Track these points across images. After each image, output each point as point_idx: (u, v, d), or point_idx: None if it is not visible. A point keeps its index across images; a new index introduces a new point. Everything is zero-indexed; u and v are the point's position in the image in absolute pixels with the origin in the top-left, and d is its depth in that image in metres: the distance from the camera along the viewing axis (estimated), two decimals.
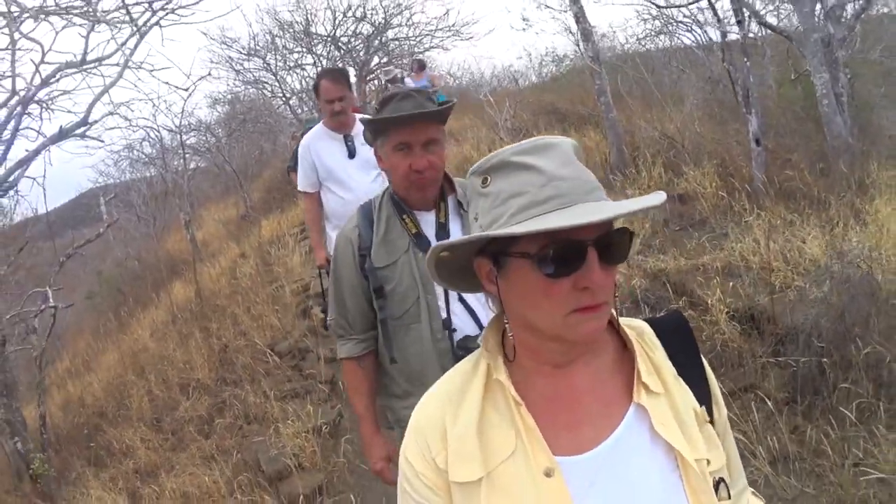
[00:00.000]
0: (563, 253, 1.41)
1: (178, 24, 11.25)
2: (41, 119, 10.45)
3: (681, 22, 18.40)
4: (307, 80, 25.16)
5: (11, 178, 9.47)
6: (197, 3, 10.32)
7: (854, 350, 4.87)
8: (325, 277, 6.08)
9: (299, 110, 25.29)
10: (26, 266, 15.22)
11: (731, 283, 6.26)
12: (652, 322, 1.73)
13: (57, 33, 9.66)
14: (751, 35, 14.54)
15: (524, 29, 33.83)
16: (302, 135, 10.74)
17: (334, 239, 5.71)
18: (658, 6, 15.64)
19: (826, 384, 4.85)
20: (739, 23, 10.00)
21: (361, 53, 25.78)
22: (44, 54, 9.41)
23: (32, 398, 9.86)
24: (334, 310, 3.35)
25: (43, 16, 9.19)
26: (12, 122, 9.19)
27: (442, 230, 3.19)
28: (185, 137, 21.16)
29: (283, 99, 25.08)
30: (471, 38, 27.45)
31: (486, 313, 3.15)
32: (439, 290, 3.15)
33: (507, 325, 1.60)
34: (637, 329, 1.69)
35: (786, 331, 5.44)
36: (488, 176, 1.52)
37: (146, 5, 9.88)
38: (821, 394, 4.85)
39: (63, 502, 7.38)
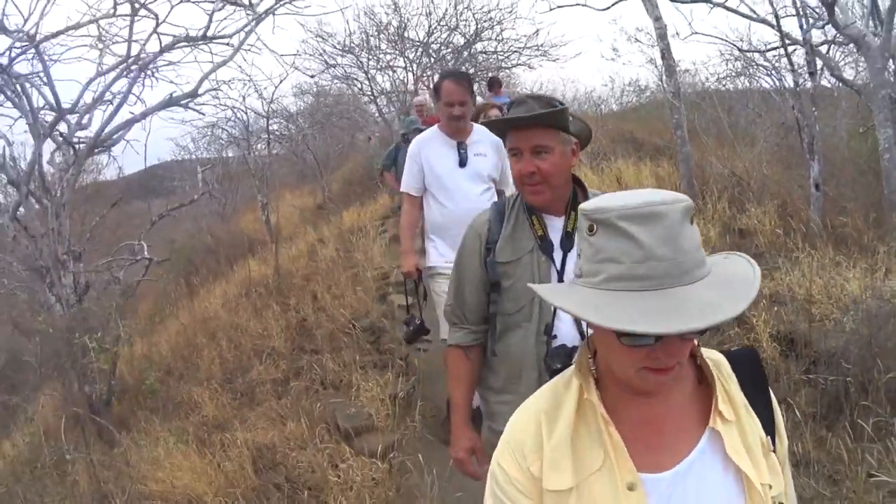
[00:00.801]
0: (642, 335, 1.48)
1: (291, 14, 11.94)
2: (143, 85, 10.67)
3: (761, 65, 18.59)
4: (397, 81, 25.54)
5: (115, 136, 10.04)
6: None
7: (876, 374, 5.33)
8: (409, 288, 6.40)
9: (385, 110, 25.68)
10: (109, 226, 15.71)
11: (776, 309, 6.74)
12: (728, 355, 1.84)
13: (173, 6, 10.27)
14: (827, 85, 14.77)
15: (613, 59, 34.07)
16: (404, 136, 11.17)
17: (430, 252, 5.83)
18: (740, 49, 15.89)
19: (849, 401, 5.31)
20: (812, 74, 10.37)
21: (451, 63, 25.90)
22: (158, 24, 10.05)
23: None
24: (452, 298, 3.40)
25: None
26: (126, 85, 9.76)
27: (568, 238, 3.19)
28: (270, 123, 21.73)
29: (372, 97, 25.32)
30: (557, 59, 27.74)
31: None
32: None
33: (590, 359, 1.74)
34: (716, 361, 1.80)
35: (819, 354, 5.90)
36: (594, 226, 1.57)
37: None
38: (844, 410, 5.28)
39: (127, 448, 7.34)
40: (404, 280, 6.33)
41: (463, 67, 26.46)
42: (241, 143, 22.27)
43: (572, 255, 3.12)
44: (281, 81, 30.54)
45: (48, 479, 7.49)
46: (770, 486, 1.68)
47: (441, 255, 5.69)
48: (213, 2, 10.41)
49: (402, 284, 10.53)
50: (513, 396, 3.11)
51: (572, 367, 1.81)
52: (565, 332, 3.13)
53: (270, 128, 22.23)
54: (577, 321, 3.09)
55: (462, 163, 5.62)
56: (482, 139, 5.69)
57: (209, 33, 10.57)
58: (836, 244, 8.62)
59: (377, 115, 26.52)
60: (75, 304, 9.33)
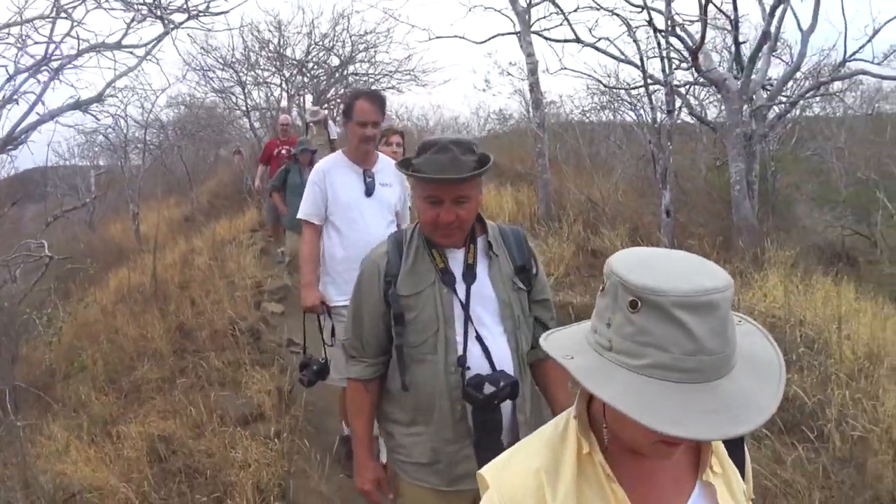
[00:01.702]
0: None
1: (198, 28, 12.59)
2: (53, 88, 11.28)
3: (625, 101, 19.36)
4: (271, 98, 26.12)
5: (23, 136, 10.39)
6: (226, 12, 11.51)
7: None
8: (309, 322, 5.81)
9: (257, 124, 26.13)
10: None
11: None
12: None
13: (88, 11, 10.72)
14: (691, 122, 15.98)
15: (484, 90, 35.15)
16: (294, 157, 11.22)
17: (329, 290, 5.53)
18: (606, 85, 16.93)
19: None
20: (670, 112, 11.51)
21: (323, 83, 26.61)
22: (73, 27, 10.52)
23: None
24: (350, 331, 3.38)
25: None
26: (40, 86, 10.15)
27: (469, 271, 3.23)
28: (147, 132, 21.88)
29: (245, 111, 25.72)
30: (426, 85, 28.43)
31: (502, 354, 3.22)
32: (458, 326, 3.20)
33: (605, 428, 1.68)
34: None
35: None
36: (639, 303, 1.47)
37: (184, 7, 11.19)
38: None
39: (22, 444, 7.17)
40: (303, 316, 5.80)
41: (333, 88, 27.36)
42: (118, 151, 22.36)
43: (476, 289, 3.22)
44: (163, 91, 30.67)
45: None
46: None
47: (341, 294, 5.36)
48: (127, 11, 10.98)
49: (276, 293, 11.15)
50: (425, 428, 3.24)
51: (564, 418, 1.80)
52: (477, 363, 3.17)
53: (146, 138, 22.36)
54: (488, 351, 3.18)
55: (369, 192, 5.46)
56: (387, 168, 5.60)
57: (124, 42, 11.10)
58: None
59: (249, 129, 26.94)
60: None
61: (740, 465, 1.85)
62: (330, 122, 15.15)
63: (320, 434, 6.54)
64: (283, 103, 25.35)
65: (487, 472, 1.80)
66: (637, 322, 1.46)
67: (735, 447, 1.85)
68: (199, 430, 6.79)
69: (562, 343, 1.66)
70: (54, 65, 10.68)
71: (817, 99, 19.16)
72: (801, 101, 18.96)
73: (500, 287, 3.27)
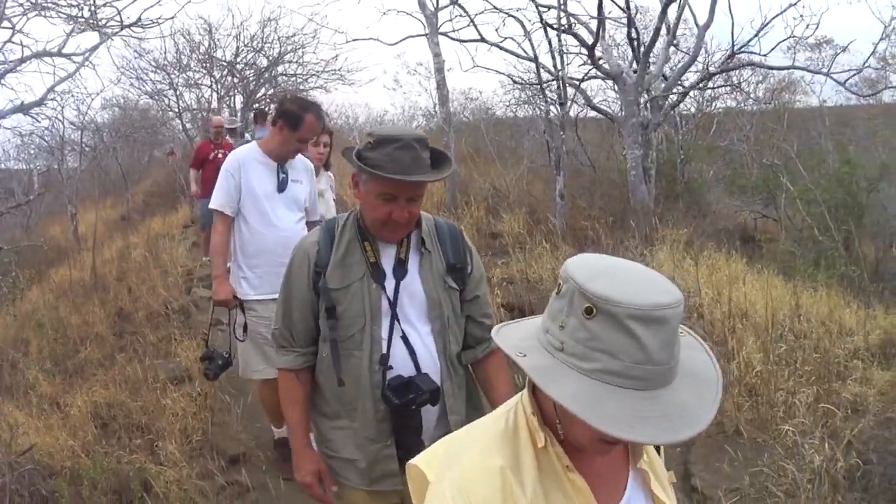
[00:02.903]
0: None
1: (132, 36, 13.48)
2: None
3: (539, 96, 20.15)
4: (202, 99, 26.58)
5: None
6: (160, 24, 12.38)
7: None
8: (220, 315, 6.03)
9: (189, 125, 26.56)
10: None
11: (507, 286, 8.66)
12: None
13: (28, 19, 11.44)
14: (591, 115, 17.04)
15: (394, 88, 35.67)
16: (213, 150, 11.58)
17: (239, 282, 5.52)
18: (514, 80, 17.90)
19: None
20: (562, 104, 12.60)
21: (252, 84, 27.14)
22: (13, 34, 11.26)
23: None
24: (280, 320, 3.29)
25: (38, 10, 10.99)
26: None
27: (400, 266, 3.18)
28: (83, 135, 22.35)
29: (177, 113, 26.06)
30: (353, 84, 29.03)
31: (427, 355, 3.18)
32: (385, 324, 3.14)
33: (559, 424, 1.68)
34: None
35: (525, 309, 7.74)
36: (595, 310, 1.50)
37: (118, 20, 11.94)
38: None
39: None
40: (212, 309, 5.87)
41: (263, 88, 27.89)
42: (56, 153, 22.72)
43: (405, 284, 3.17)
44: (98, 94, 31.10)
45: None
46: None
47: (253, 288, 5.50)
48: (67, 22, 11.84)
49: (204, 279, 11.76)
50: (349, 422, 3.21)
51: (511, 414, 1.81)
52: (401, 362, 3.14)
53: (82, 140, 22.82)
54: (413, 352, 3.15)
55: (281, 187, 5.43)
56: (298, 165, 5.63)
57: (64, 50, 11.91)
58: (576, 243, 10.66)
59: (181, 130, 27.32)
60: None
61: (658, 451, 1.99)
62: (247, 135, 15.11)
63: (240, 395, 7.13)
64: (214, 104, 25.96)
65: (427, 465, 1.82)
66: (591, 328, 1.50)
67: None
68: (136, 391, 7.60)
69: (513, 340, 1.70)
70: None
71: (726, 90, 20.43)
72: (710, 93, 20.33)
73: (431, 285, 3.22)
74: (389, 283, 3.16)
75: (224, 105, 25.29)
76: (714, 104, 21.86)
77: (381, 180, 2.97)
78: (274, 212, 5.40)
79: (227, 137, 14.34)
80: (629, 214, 11.94)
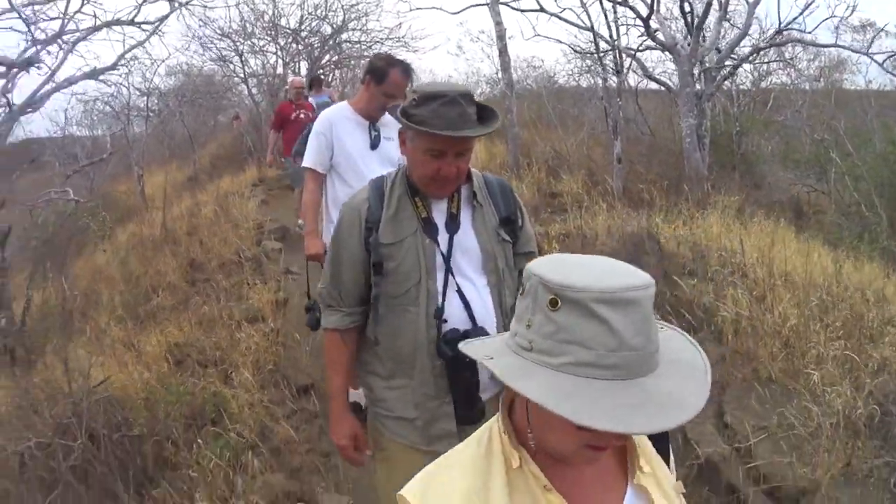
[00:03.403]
0: None
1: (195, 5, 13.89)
2: (56, 58, 11.98)
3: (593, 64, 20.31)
4: (268, 65, 26.71)
5: (42, 100, 11.59)
6: None
7: None
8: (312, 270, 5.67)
9: (255, 90, 26.86)
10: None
11: (564, 241, 8.90)
12: None
13: None
14: (652, 86, 17.20)
15: (457, 55, 35.82)
16: (313, 118, 11.72)
17: (330, 232, 5.49)
18: (574, 50, 18.11)
19: None
20: (618, 72, 12.91)
21: (317, 51, 27.30)
22: (83, 4, 11.78)
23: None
24: (328, 279, 3.28)
25: None
26: (61, 56, 11.38)
27: (452, 220, 3.14)
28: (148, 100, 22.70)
29: (243, 78, 26.29)
30: (416, 51, 29.17)
31: (482, 309, 3.14)
32: (440, 278, 3.10)
33: (530, 434, 1.62)
34: None
35: None
36: (559, 301, 1.44)
37: None
38: None
39: (43, 365, 8.11)
40: (307, 263, 5.73)
41: (328, 55, 28.03)
42: (122, 118, 23.01)
43: (459, 239, 3.13)
44: (164, 61, 31.57)
45: None
46: None
47: None
48: None
49: (275, 232, 12.10)
50: (405, 381, 3.17)
51: (486, 434, 1.73)
52: (456, 316, 3.10)
53: (143, 105, 23.26)
54: (468, 304, 3.10)
55: (374, 145, 5.39)
56: (390, 122, 5.44)
57: (137, 19, 12.42)
58: (631, 204, 11.04)
59: (248, 95, 27.61)
60: None
61: (665, 458, 1.82)
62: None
63: (310, 334, 7.18)
64: (279, 70, 26.15)
65: (409, 493, 1.69)
66: (558, 320, 1.44)
67: (659, 440, 1.81)
68: (210, 329, 7.97)
69: (481, 347, 1.64)
70: (68, 38, 11.87)
71: (779, 66, 20.61)
72: (764, 68, 20.46)
73: (484, 237, 3.19)
74: (442, 238, 3.12)
75: (289, 71, 25.33)
76: (769, 79, 21.91)
77: (427, 136, 2.95)
78: (368, 168, 5.20)
79: (309, 98, 14.24)
80: (683, 180, 12.18)
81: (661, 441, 1.83)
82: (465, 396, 3.10)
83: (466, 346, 1.68)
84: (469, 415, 3.09)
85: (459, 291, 3.10)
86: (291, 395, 6.55)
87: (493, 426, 1.72)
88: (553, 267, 1.51)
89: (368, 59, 6.72)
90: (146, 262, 11.67)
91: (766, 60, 19.04)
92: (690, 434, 5.25)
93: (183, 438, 5.87)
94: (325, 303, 3.31)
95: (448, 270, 3.10)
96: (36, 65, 11.54)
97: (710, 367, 1.57)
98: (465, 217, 3.18)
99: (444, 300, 3.07)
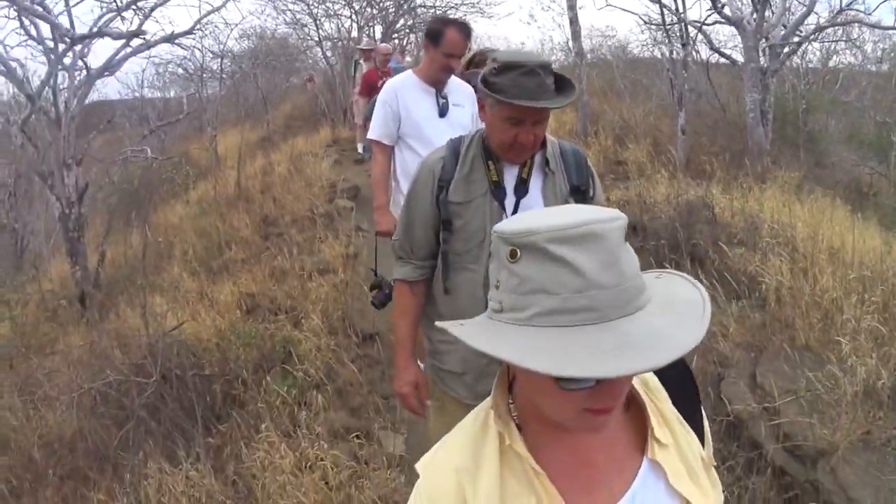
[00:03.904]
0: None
1: None
2: (131, 23, 12.25)
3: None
4: (342, 29, 26.81)
5: (118, 64, 11.92)
6: None
7: (682, 241, 7.49)
8: (381, 248, 5.59)
9: (329, 53, 26.85)
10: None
11: (625, 207, 8.91)
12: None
13: None
14: (723, 61, 17.19)
15: (528, 23, 35.74)
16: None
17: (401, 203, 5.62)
18: (645, 21, 18.07)
19: (668, 259, 7.42)
20: (684, 45, 13.00)
21: (392, 15, 27.32)
22: None
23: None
24: (401, 232, 3.38)
25: None
26: (137, 21, 11.70)
27: (522, 185, 3.21)
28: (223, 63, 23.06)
29: (317, 41, 26.52)
30: (491, 17, 29.05)
31: None
32: None
33: (512, 405, 1.56)
34: (642, 379, 1.63)
35: (650, 233, 8.18)
36: (518, 251, 1.36)
37: None
38: (663, 262, 7.34)
39: (116, 315, 8.68)
40: (375, 239, 5.66)
41: (402, 19, 27.98)
42: (195, 80, 23.56)
43: (526, 203, 3.20)
44: (237, 25, 32.10)
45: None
46: None
47: None
48: None
49: (347, 191, 12.32)
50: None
51: (483, 409, 1.63)
52: None
53: (216, 67, 23.67)
54: None
55: (442, 112, 5.26)
56: (459, 89, 5.43)
57: None
58: (693, 173, 11.21)
59: (322, 58, 27.71)
60: (75, 202, 10.78)
61: (699, 432, 1.68)
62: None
63: (387, 253, 7.53)
64: (354, 34, 26.17)
65: (419, 466, 1.63)
66: (519, 272, 1.36)
67: (692, 412, 1.69)
68: (281, 280, 8.27)
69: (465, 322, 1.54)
70: (142, 4, 12.16)
71: (845, 46, 20.45)
72: (831, 47, 20.30)
73: (552, 204, 3.22)
74: (510, 201, 3.20)
75: (364, 35, 25.40)
76: (836, 59, 21.67)
77: (507, 105, 2.99)
78: (438, 136, 4.89)
79: (361, 64, 14.73)
80: (745, 154, 12.27)
81: (693, 411, 1.70)
82: None
83: (455, 329, 1.50)
84: None
85: None
86: (357, 341, 6.82)
87: (489, 401, 1.61)
88: (510, 221, 1.46)
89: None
90: (220, 217, 11.91)
91: (831, 40, 18.88)
92: (724, 392, 5.42)
93: (252, 379, 6.17)
94: (397, 255, 3.41)
95: None
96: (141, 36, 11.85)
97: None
98: (536, 183, 3.24)
99: None
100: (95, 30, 11.58)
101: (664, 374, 1.64)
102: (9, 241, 17.80)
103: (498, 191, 3.18)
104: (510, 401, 1.56)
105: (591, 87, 16.31)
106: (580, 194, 3.28)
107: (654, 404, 1.59)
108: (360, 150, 14.33)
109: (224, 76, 24.52)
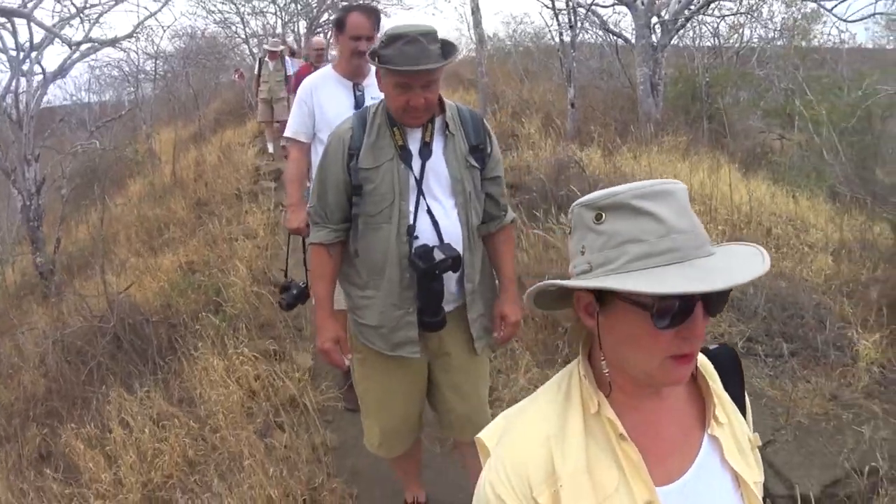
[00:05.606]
0: (679, 309, 1.42)
1: None
2: (76, 29, 13.23)
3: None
4: (267, 25, 27.96)
5: (66, 67, 12.90)
6: None
7: (549, 192, 8.71)
8: (292, 246, 5.80)
9: (255, 50, 27.59)
10: None
11: (512, 173, 10.21)
12: (706, 353, 1.78)
13: None
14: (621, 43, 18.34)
15: (433, 14, 36.35)
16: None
17: None
18: (546, 6, 19.33)
19: (539, 208, 8.43)
20: (572, 27, 14.45)
21: (315, 10, 28.12)
22: None
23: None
24: (315, 199, 3.51)
25: None
26: (86, 27, 12.71)
27: (426, 147, 3.38)
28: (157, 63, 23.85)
29: (244, 39, 27.57)
30: (410, 8, 29.80)
31: (449, 227, 3.42)
32: (412, 199, 3.37)
33: (603, 362, 1.58)
34: (700, 361, 1.71)
35: (526, 188, 9.41)
36: (603, 213, 1.48)
37: None
38: (538, 211, 8.38)
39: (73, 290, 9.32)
40: (288, 238, 5.82)
41: (326, 14, 28.55)
42: (131, 81, 24.41)
43: (430, 165, 3.40)
44: (169, 27, 32.73)
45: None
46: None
47: None
48: None
49: (270, 174, 13.63)
50: (375, 291, 3.48)
51: (565, 378, 1.67)
52: (426, 233, 3.37)
53: (148, 68, 24.35)
54: (436, 223, 3.39)
55: (358, 105, 5.07)
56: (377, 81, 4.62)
57: None
58: (580, 141, 12.56)
59: (249, 55, 28.68)
60: (34, 194, 11.43)
61: (742, 410, 1.79)
62: (287, 57, 15.69)
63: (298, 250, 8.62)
64: (279, 30, 27.35)
65: (489, 437, 1.67)
66: (606, 230, 1.47)
67: (738, 396, 1.79)
68: (213, 245, 9.59)
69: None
70: (90, 12, 12.99)
71: (744, 19, 21.32)
72: (732, 21, 21.33)
73: (454, 164, 3.43)
74: (416, 163, 3.37)
75: (288, 30, 26.45)
76: (742, 33, 22.70)
77: (393, 72, 3.21)
78: None
79: (267, 62, 15.44)
80: (636, 124, 13.50)
81: (740, 395, 1.81)
82: (431, 306, 3.42)
83: (528, 299, 1.65)
84: (433, 322, 3.45)
85: (429, 212, 3.39)
86: (276, 289, 7.84)
87: (572, 371, 1.67)
88: (591, 193, 1.56)
89: None
90: (158, 204, 13.04)
91: (726, 14, 19.91)
92: None
93: (191, 320, 7.45)
94: (312, 220, 3.58)
95: (420, 193, 3.39)
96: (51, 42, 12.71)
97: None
98: (438, 145, 3.43)
99: (415, 219, 3.37)
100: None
101: (716, 359, 1.78)
102: None
103: (404, 154, 3.36)
104: (608, 377, 1.60)
105: (493, 72, 17.66)
106: (478, 152, 3.50)
107: (712, 385, 1.70)
108: (270, 149, 15.76)
109: (157, 76, 25.21)
